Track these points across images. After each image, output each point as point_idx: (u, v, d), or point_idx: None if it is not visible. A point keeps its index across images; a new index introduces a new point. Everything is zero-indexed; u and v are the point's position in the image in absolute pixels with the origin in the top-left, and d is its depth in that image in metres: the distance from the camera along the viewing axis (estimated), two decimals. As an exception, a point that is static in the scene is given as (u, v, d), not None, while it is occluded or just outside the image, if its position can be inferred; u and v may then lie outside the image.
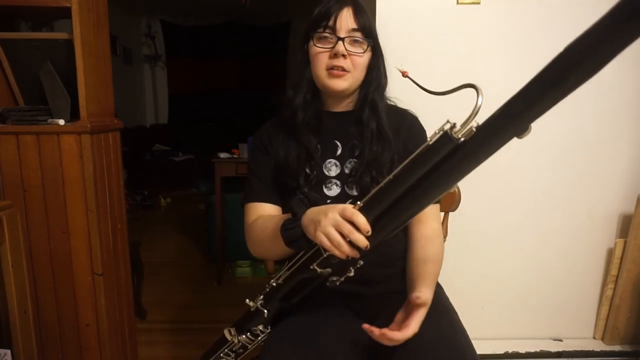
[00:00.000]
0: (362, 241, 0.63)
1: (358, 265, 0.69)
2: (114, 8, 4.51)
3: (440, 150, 0.55)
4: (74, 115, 1.27)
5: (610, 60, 0.43)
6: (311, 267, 0.70)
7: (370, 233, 0.63)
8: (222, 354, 0.87)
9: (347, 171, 0.91)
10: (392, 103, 0.97)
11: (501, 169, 1.51)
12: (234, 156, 2.52)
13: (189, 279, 2.65)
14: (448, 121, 0.55)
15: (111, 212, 1.38)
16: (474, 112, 0.54)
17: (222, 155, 2.50)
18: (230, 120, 5.78)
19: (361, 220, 0.63)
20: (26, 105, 1.32)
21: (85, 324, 1.32)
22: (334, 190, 0.91)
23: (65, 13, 1.20)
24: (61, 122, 1.22)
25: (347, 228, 0.63)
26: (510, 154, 1.48)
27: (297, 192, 0.79)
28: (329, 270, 0.70)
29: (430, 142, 0.56)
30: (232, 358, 0.87)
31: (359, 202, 0.66)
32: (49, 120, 1.24)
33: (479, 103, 0.54)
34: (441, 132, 0.55)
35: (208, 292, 2.45)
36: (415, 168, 0.59)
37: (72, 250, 1.27)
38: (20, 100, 1.34)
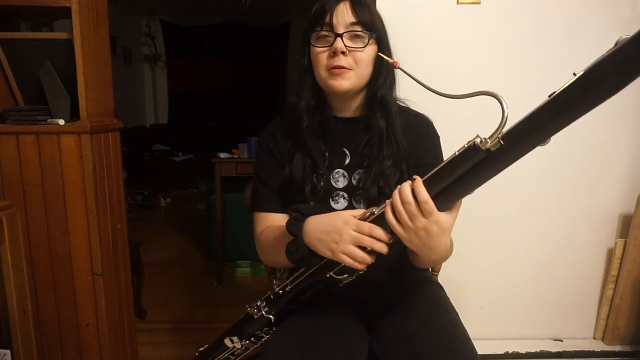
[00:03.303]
0: (384, 248, 0.66)
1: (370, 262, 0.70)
2: (114, 8, 4.52)
3: (466, 161, 0.57)
4: (73, 115, 1.27)
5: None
6: (327, 275, 0.72)
7: (391, 241, 0.66)
8: (222, 359, 0.87)
9: (354, 183, 0.88)
10: (404, 105, 0.93)
11: (501, 169, 1.50)
12: (234, 156, 2.52)
13: (189, 279, 2.65)
14: (478, 135, 0.56)
15: (111, 212, 1.38)
16: (502, 124, 0.55)
17: (222, 155, 2.50)
18: (230, 120, 5.78)
19: (380, 232, 0.66)
20: (26, 105, 1.32)
21: (85, 324, 1.32)
22: (340, 204, 0.88)
23: (65, 13, 1.20)
24: (61, 122, 1.22)
25: (369, 241, 0.66)
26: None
27: (289, 211, 0.77)
28: (345, 275, 0.72)
29: (457, 154, 0.58)
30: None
31: (374, 211, 0.68)
32: (49, 120, 1.24)
33: (506, 114, 0.54)
34: (470, 145, 0.57)
35: (208, 292, 2.45)
36: (439, 180, 0.61)
37: (72, 250, 1.27)
38: (20, 100, 1.34)
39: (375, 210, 0.68)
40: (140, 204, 4.30)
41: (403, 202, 0.62)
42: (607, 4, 1.39)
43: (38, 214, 1.25)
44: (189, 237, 3.42)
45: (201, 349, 0.93)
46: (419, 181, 0.61)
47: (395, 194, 0.64)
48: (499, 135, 0.54)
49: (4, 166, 1.22)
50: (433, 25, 1.41)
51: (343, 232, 0.67)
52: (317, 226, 0.71)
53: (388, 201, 0.65)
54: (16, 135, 1.21)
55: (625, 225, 1.56)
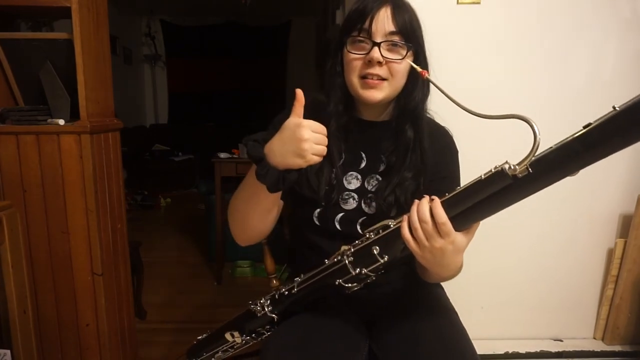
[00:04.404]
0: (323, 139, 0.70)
1: (380, 273, 0.70)
2: (114, 8, 4.52)
3: (491, 186, 0.56)
4: (73, 115, 1.27)
5: None
6: (336, 282, 0.71)
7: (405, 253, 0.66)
8: (220, 352, 0.88)
9: (367, 186, 0.86)
10: (429, 115, 0.90)
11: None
12: (234, 156, 2.52)
13: (189, 279, 2.64)
14: (507, 161, 0.56)
15: (111, 212, 1.38)
16: (534, 151, 0.54)
17: (222, 155, 2.50)
18: (230, 120, 5.78)
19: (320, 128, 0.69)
20: (26, 105, 1.32)
21: (85, 324, 1.32)
22: (349, 204, 0.86)
23: (65, 13, 1.20)
24: (61, 122, 1.22)
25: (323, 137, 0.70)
26: (510, 155, 1.47)
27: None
28: (355, 284, 0.71)
29: (483, 177, 0.57)
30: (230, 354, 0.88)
31: (390, 224, 0.67)
32: (49, 120, 1.24)
33: (538, 140, 0.53)
34: (497, 170, 0.56)
35: (208, 292, 2.45)
36: (459, 202, 0.60)
37: (72, 250, 1.27)
38: (20, 100, 1.34)
39: (391, 224, 0.67)
40: (140, 204, 4.30)
41: (420, 221, 0.62)
42: (607, 4, 1.39)
43: (38, 214, 1.25)
44: (189, 237, 3.42)
45: (199, 337, 0.93)
46: (437, 202, 0.61)
47: (413, 210, 0.63)
48: (528, 163, 0.54)
49: (4, 166, 1.22)
50: (433, 25, 1.41)
51: (302, 135, 0.67)
52: (276, 143, 0.70)
53: (405, 216, 0.64)
54: (16, 135, 1.21)
55: (625, 225, 1.56)
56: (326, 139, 0.70)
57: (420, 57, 0.83)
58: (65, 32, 1.24)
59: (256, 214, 0.82)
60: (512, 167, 0.55)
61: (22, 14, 1.45)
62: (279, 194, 0.77)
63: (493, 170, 0.57)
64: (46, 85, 1.27)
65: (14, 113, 1.23)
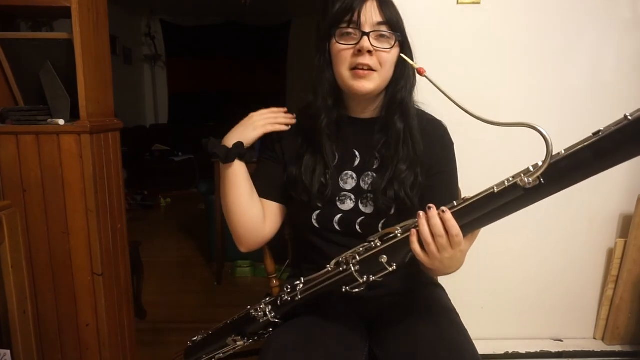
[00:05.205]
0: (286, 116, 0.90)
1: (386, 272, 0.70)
2: (114, 8, 4.52)
3: (503, 198, 0.58)
4: (73, 115, 1.27)
5: None
6: (344, 290, 0.72)
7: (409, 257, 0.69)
8: (221, 353, 0.88)
9: (363, 185, 0.86)
10: (420, 108, 0.90)
11: (501, 169, 1.50)
12: (234, 156, 2.51)
13: (189, 279, 2.65)
14: (520, 174, 0.57)
15: (111, 212, 1.38)
16: (547, 162, 0.54)
17: (222, 155, 2.49)
18: (230, 120, 5.77)
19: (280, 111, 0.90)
20: (26, 105, 1.32)
21: (85, 324, 1.32)
22: (347, 205, 0.86)
23: (65, 13, 1.20)
24: (61, 122, 1.22)
25: (273, 114, 0.90)
26: (510, 154, 1.47)
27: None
28: (362, 289, 0.71)
29: (496, 191, 0.58)
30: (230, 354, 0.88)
31: (397, 234, 0.67)
32: (49, 120, 1.24)
33: (551, 150, 0.53)
34: (510, 184, 0.57)
35: (208, 292, 2.45)
36: (470, 212, 0.61)
37: (72, 250, 1.27)
38: (20, 100, 1.34)
39: (399, 234, 0.67)
40: (140, 204, 4.30)
41: (435, 235, 0.63)
42: (607, 5, 1.39)
43: (38, 214, 1.24)
44: (189, 237, 3.42)
45: (194, 338, 0.92)
46: (449, 214, 0.62)
47: (423, 225, 0.64)
48: (540, 174, 0.54)
49: (4, 166, 1.22)
50: (433, 25, 1.41)
51: (252, 115, 0.87)
52: (233, 131, 0.89)
53: (413, 230, 0.65)
54: (16, 135, 1.21)
55: (625, 225, 1.56)
56: (276, 112, 0.88)
57: (405, 47, 0.84)
58: (65, 32, 1.24)
59: (237, 200, 0.86)
60: (526, 180, 0.55)
61: (22, 14, 1.45)
62: (244, 170, 0.86)
63: (506, 184, 0.57)
64: (46, 85, 1.27)
65: (14, 113, 1.23)
